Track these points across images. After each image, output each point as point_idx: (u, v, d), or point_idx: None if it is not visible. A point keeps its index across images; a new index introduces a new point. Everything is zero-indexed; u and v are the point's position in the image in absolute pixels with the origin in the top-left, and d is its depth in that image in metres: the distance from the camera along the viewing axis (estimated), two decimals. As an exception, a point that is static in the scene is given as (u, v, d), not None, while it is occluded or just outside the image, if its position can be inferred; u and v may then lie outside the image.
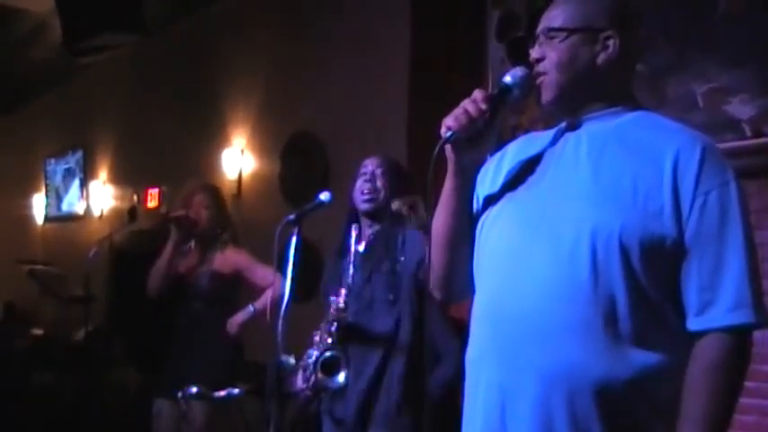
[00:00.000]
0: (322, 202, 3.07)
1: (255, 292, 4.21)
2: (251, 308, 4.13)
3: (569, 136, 1.83)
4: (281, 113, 6.09)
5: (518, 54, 4.54)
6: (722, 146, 2.48)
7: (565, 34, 1.79)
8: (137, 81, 8.28)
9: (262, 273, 4.13)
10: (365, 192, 3.22)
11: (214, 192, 4.41)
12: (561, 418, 1.63)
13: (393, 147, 4.65)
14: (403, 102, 4.82)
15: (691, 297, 1.66)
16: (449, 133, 1.75)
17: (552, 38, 1.81)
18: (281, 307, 2.75)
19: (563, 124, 1.88)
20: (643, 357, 1.64)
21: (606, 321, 1.63)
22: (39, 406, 6.73)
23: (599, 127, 1.80)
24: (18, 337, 8.30)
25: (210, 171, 6.59)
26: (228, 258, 4.24)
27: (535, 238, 1.73)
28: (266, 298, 4.08)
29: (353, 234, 3.25)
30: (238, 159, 6.45)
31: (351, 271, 3.17)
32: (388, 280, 3.14)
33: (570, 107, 1.84)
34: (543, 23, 1.84)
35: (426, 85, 4.75)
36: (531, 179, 1.83)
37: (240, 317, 4.13)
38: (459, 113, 1.76)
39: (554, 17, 1.83)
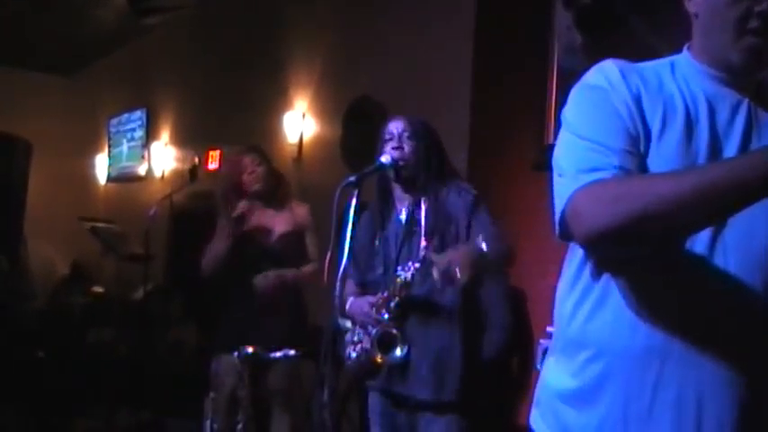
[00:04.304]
0: (383, 165, 3.04)
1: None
2: (293, 272, 4.14)
3: (724, 104, 1.64)
4: (343, 77, 6.06)
5: (585, 22, 4.44)
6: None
7: None
8: (200, 43, 8.30)
9: (313, 247, 4.22)
10: (395, 159, 3.07)
11: (260, 150, 4.36)
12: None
13: (456, 112, 4.61)
14: (467, 68, 4.76)
15: None
16: None
17: None
18: (338, 270, 2.74)
19: (670, 60, 1.71)
20: None
21: None
22: (96, 363, 6.83)
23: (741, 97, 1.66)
24: (79, 294, 8.43)
25: (272, 134, 6.59)
26: (295, 215, 4.24)
27: (728, 234, 1.57)
28: (311, 269, 4.17)
29: (403, 208, 3.15)
30: (300, 123, 6.43)
31: (423, 244, 3.01)
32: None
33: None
34: None
35: (491, 51, 4.68)
36: (703, 152, 1.60)
37: (275, 277, 4.11)
38: None
39: None
